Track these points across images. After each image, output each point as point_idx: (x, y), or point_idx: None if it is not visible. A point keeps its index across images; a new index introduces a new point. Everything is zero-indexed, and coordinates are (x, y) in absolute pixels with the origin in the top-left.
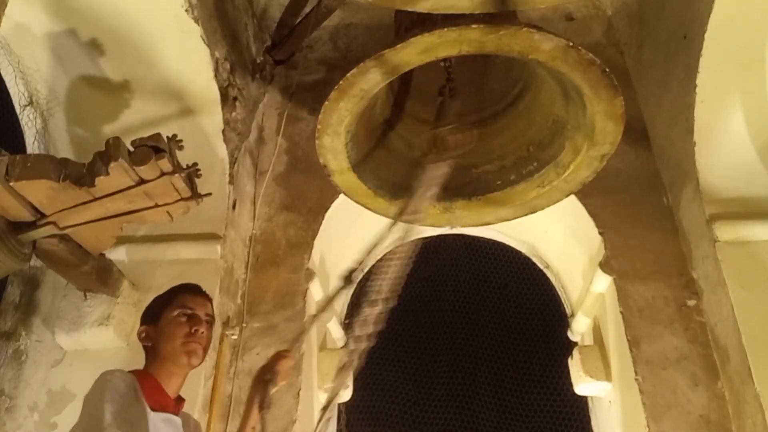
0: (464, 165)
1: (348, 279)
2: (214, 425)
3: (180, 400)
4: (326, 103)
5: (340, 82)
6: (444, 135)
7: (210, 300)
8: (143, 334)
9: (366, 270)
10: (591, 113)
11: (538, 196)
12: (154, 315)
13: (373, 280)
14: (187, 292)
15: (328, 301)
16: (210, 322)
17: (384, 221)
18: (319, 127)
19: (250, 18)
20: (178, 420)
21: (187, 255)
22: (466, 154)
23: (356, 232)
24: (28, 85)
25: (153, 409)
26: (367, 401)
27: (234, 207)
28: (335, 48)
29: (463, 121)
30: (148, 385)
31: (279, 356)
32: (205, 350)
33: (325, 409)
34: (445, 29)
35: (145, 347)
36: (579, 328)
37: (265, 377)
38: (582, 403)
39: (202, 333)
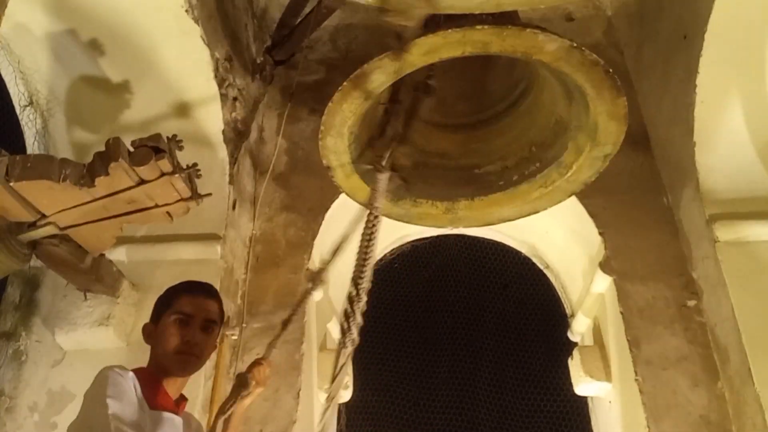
0: (467, 165)
1: (315, 279)
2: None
3: (182, 399)
4: (330, 104)
5: (344, 83)
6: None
7: (217, 300)
8: (145, 332)
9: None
10: (594, 113)
11: (541, 196)
12: (156, 314)
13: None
14: (191, 293)
15: (299, 302)
16: (211, 327)
17: (384, 222)
18: (322, 128)
19: (250, 18)
20: (178, 420)
21: (187, 255)
22: (466, 154)
23: (356, 232)
24: (28, 85)
25: (152, 408)
26: (367, 401)
27: (234, 207)
28: (335, 48)
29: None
30: (149, 384)
31: (254, 364)
32: (203, 357)
33: (325, 411)
34: (449, 30)
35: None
36: (579, 329)
37: (239, 382)
38: (582, 403)
39: (196, 343)
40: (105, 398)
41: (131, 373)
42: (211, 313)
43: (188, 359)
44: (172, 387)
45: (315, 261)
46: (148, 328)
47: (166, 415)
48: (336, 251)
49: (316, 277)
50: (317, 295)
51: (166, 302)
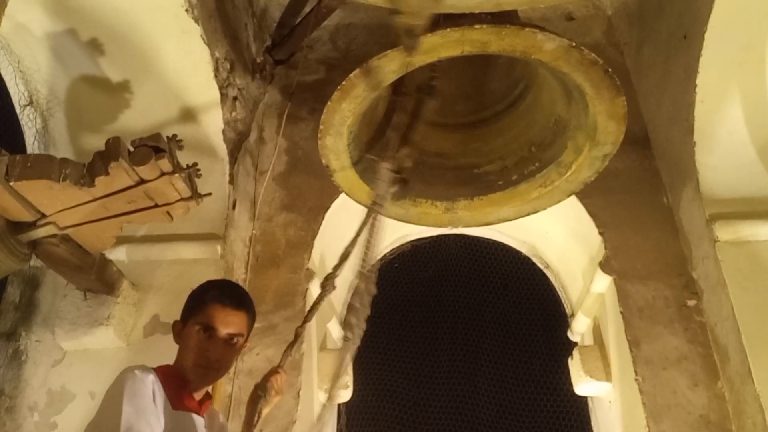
0: (466, 165)
1: (326, 285)
2: None
3: (206, 398)
4: (329, 103)
5: (343, 82)
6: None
7: (247, 310)
8: (175, 330)
9: (366, 270)
10: (593, 113)
11: (540, 196)
12: (184, 315)
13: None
14: (221, 303)
15: (313, 308)
16: (236, 339)
17: (385, 222)
18: (321, 127)
19: (250, 18)
20: (200, 420)
21: (187, 255)
22: (465, 154)
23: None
24: (28, 85)
25: (175, 408)
26: (367, 401)
27: (234, 207)
28: (335, 48)
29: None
30: (172, 383)
31: (271, 373)
32: (223, 370)
33: (322, 414)
34: (448, 29)
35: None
36: (579, 328)
37: (257, 394)
38: (582, 403)
39: (216, 359)
40: (121, 402)
41: (152, 375)
42: (237, 326)
43: (206, 373)
44: (195, 387)
45: (315, 261)
46: (177, 327)
47: (188, 415)
48: (345, 258)
49: (324, 286)
50: (316, 295)
51: (195, 305)
